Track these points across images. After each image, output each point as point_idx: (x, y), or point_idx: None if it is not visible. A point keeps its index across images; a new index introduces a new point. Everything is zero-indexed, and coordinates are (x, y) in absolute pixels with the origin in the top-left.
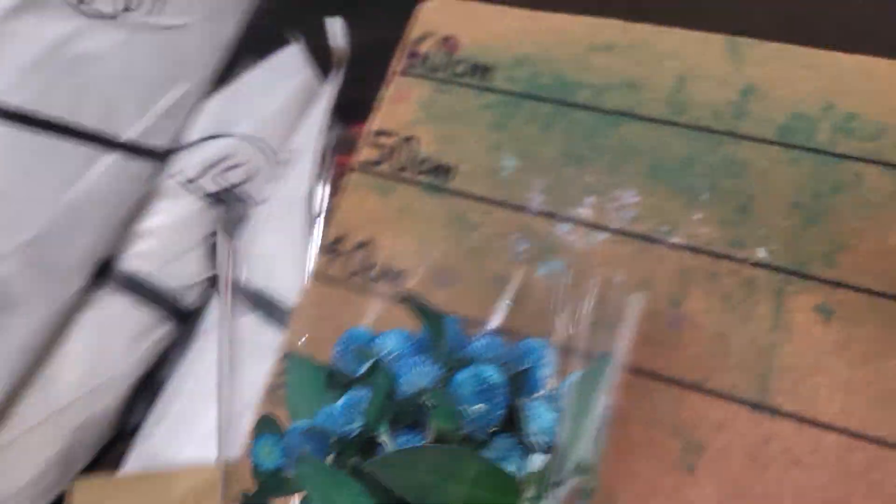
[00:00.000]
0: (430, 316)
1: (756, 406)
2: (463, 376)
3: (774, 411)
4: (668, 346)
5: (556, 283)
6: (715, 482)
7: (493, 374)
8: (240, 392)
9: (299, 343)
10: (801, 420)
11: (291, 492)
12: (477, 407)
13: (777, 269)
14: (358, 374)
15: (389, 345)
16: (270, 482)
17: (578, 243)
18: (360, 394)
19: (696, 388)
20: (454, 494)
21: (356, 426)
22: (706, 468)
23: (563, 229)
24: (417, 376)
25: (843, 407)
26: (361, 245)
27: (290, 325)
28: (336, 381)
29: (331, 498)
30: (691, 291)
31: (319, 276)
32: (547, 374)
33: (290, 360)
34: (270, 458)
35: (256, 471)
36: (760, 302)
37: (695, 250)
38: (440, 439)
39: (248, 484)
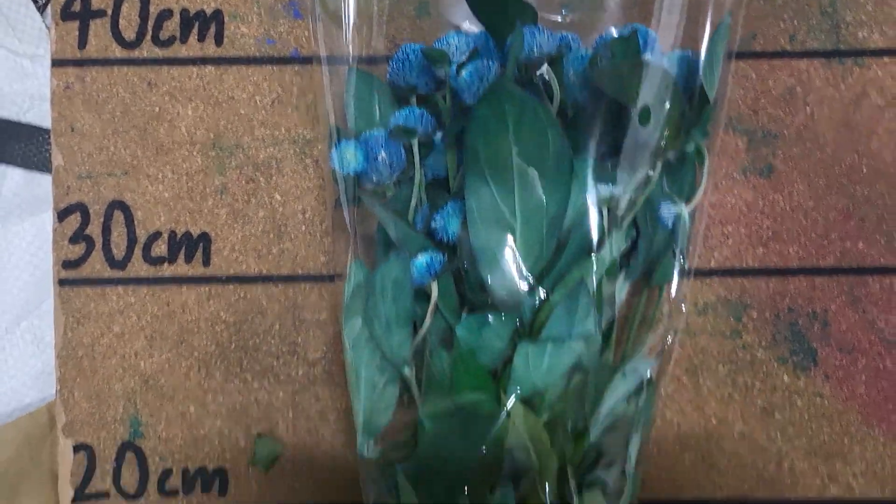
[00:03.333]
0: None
1: (833, 55)
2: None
3: (859, 54)
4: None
5: None
6: (803, 176)
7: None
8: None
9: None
10: (893, 53)
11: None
12: None
13: None
14: (457, 59)
15: (454, 43)
16: (352, 187)
17: None
18: (484, 65)
19: (742, 54)
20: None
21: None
22: (787, 162)
23: None
24: (546, 40)
25: None
26: None
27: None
28: (400, 94)
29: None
30: None
31: (66, 62)
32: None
33: (354, 76)
34: (353, 161)
35: (339, 176)
36: None
37: None
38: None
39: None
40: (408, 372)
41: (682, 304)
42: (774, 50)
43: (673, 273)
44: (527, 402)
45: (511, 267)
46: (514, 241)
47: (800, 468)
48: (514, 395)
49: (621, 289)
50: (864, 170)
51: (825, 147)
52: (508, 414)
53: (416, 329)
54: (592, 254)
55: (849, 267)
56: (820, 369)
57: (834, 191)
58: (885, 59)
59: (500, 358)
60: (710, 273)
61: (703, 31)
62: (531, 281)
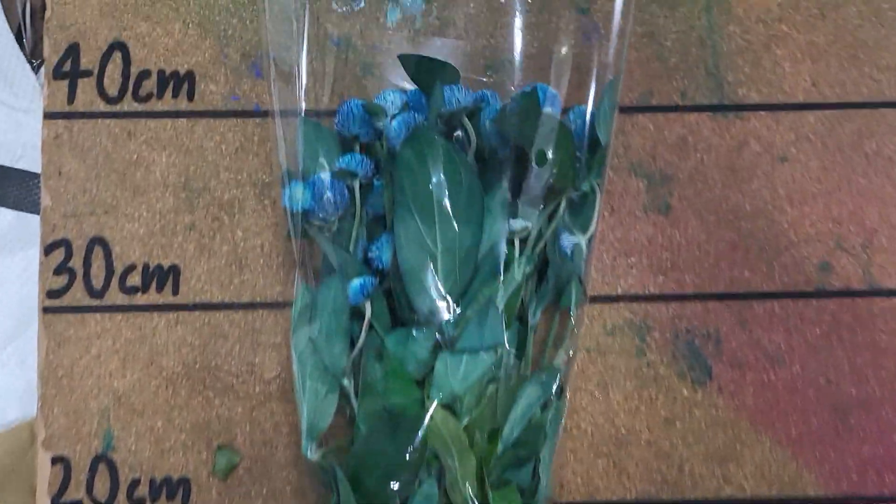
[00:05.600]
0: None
1: (717, 109)
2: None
3: (740, 108)
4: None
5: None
6: (696, 214)
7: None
8: None
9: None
10: (773, 108)
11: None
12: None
13: None
14: (392, 112)
15: (391, 99)
16: (301, 221)
17: None
18: (411, 116)
19: (640, 108)
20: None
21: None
22: (682, 201)
23: None
24: (463, 96)
25: (814, 78)
26: (112, 49)
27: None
28: (345, 142)
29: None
30: None
31: (54, 115)
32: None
33: (304, 125)
34: (302, 200)
35: (289, 213)
36: None
37: None
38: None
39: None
40: (346, 382)
41: (578, 326)
42: (668, 105)
43: (577, 297)
44: (448, 407)
45: (432, 288)
46: (435, 266)
47: (699, 472)
48: (436, 400)
49: (535, 310)
50: (748, 207)
51: (714, 188)
52: (432, 417)
53: (353, 343)
54: (500, 277)
55: (737, 292)
56: (714, 383)
57: (722, 226)
58: (762, 112)
59: (425, 367)
60: (617, 299)
61: (590, 91)
62: (450, 300)
